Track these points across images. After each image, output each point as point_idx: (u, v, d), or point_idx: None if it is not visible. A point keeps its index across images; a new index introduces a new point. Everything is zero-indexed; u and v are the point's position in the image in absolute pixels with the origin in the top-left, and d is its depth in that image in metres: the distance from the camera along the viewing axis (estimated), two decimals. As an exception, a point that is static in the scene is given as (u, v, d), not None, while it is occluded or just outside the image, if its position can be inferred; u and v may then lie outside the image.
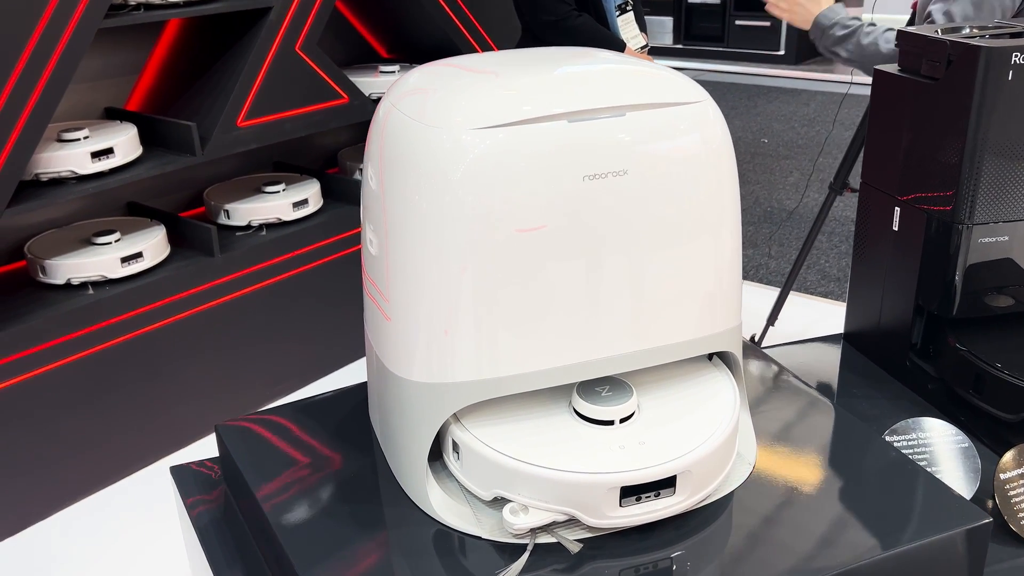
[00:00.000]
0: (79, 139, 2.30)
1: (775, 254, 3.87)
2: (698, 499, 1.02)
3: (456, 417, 1.05)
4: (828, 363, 1.52)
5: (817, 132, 5.53)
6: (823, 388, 1.50)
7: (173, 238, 2.55)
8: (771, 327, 2.72)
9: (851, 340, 1.62)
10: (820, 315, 3.19)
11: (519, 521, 0.98)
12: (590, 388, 1.07)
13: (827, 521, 1.03)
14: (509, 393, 1.00)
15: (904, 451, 1.22)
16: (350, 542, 1.02)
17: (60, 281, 2.33)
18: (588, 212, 0.97)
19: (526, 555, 0.98)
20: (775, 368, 1.35)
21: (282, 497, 1.09)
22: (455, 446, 1.04)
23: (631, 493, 0.98)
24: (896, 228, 1.47)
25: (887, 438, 1.26)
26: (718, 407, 1.07)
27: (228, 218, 2.69)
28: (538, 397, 1.10)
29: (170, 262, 2.49)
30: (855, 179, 1.94)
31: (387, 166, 1.01)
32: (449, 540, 1.02)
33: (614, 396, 1.06)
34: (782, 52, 7.34)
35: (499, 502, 1.01)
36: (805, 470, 1.12)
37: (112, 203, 2.67)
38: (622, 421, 1.05)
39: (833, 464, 1.13)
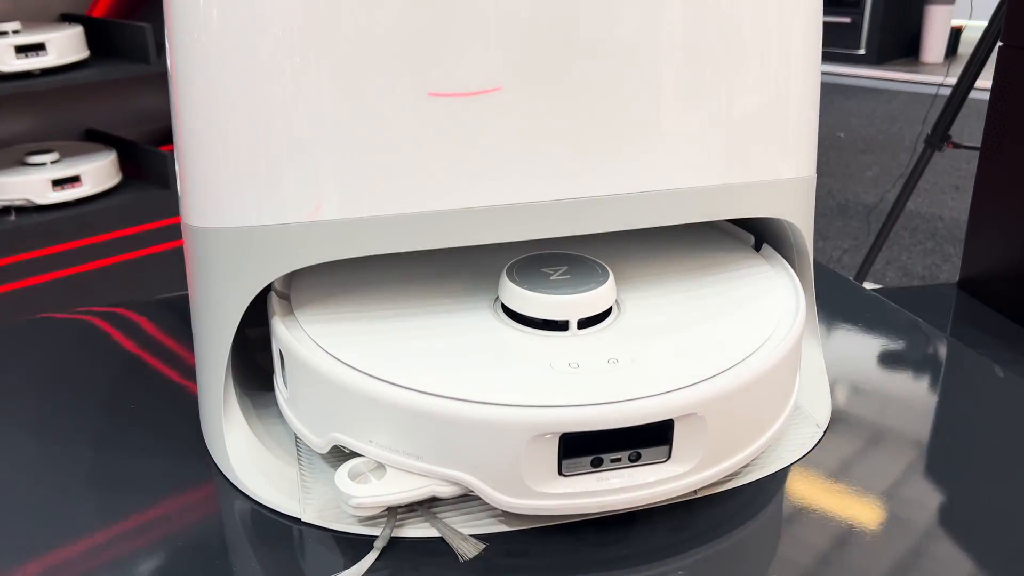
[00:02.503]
0: (7, 32, 1.91)
1: (849, 248, 3.34)
2: (715, 474, 0.54)
3: (291, 309, 0.59)
4: (938, 311, 1.02)
5: (899, 129, 4.97)
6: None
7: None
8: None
9: (968, 287, 1.12)
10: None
11: (364, 492, 0.51)
12: (531, 266, 0.60)
13: (964, 544, 0.54)
14: (374, 251, 0.53)
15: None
16: (78, 524, 0.56)
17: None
18: None
19: (369, 560, 0.51)
20: (862, 293, 0.86)
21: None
22: (282, 358, 0.57)
23: (583, 449, 0.50)
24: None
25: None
26: (763, 316, 0.59)
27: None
28: (447, 284, 0.63)
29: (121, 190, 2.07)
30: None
31: None
32: (250, 525, 0.55)
33: (573, 281, 0.58)
34: (863, 51, 6.77)
35: (343, 459, 0.54)
36: (914, 447, 0.62)
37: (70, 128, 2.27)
38: (584, 325, 0.57)
39: (964, 440, 0.63)
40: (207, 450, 0.60)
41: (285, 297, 0.60)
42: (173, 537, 0.53)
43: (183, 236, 0.59)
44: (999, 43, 1.06)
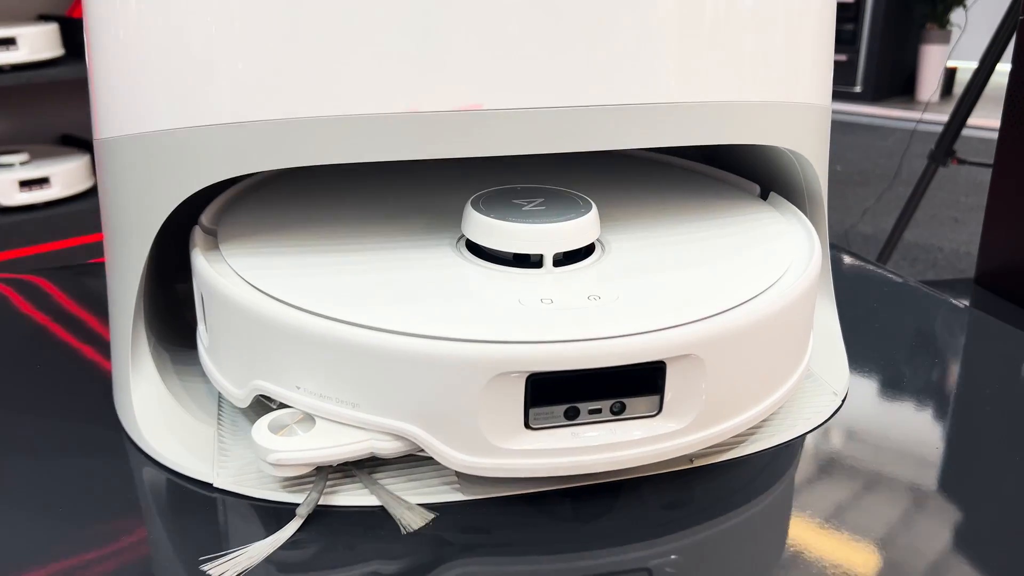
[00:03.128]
0: (-24, 27, 1.83)
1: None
2: (715, 435, 0.44)
3: (216, 244, 0.50)
4: (938, 321, 0.93)
5: (897, 164, 4.92)
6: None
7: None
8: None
9: (985, 283, 1.04)
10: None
11: (286, 446, 0.41)
12: (502, 197, 0.51)
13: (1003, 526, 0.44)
14: (305, 160, 0.44)
15: None
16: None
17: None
18: None
19: (288, 530, 0.41)
20: (877, 269, 0.77)
21: None
22: (203, 300, 0.48)
23: (555, 397, 0.41)
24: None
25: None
26: (772, 258, 0.50)
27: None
28: (403, 222, 0.54)
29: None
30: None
31: None
32: (155, 492, 0.45)
33: (550, 213, 0.49)
34: (859, 89, 6.77)
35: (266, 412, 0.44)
36: (938, 419, 0.53)
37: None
38: (561, 262, 0.48)
39: (994, 412, 0.54)
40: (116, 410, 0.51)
41: (211, 233, 0.51)
42: (70, 504, 0.43)
43: (96, 161, 0.50)
44: (1021, 17, 0.98)
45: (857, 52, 6.30)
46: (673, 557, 0.41)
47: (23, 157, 1.89)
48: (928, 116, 5.30)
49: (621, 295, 0.44)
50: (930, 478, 0.47)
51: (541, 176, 0.60)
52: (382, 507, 0.43)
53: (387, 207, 0.56)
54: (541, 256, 0.47)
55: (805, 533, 0.43)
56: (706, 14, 0.46)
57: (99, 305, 0.68)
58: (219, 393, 0.51)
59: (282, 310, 0.42)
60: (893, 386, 0.56)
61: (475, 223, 0.48)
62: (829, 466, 0.48)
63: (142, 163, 0.45)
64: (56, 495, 0.44)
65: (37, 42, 1.86)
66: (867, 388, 0.55)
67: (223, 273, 0.46)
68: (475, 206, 0.49)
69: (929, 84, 6.14)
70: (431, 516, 0.42)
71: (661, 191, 0.60)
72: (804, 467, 0.48)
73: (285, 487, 0.44)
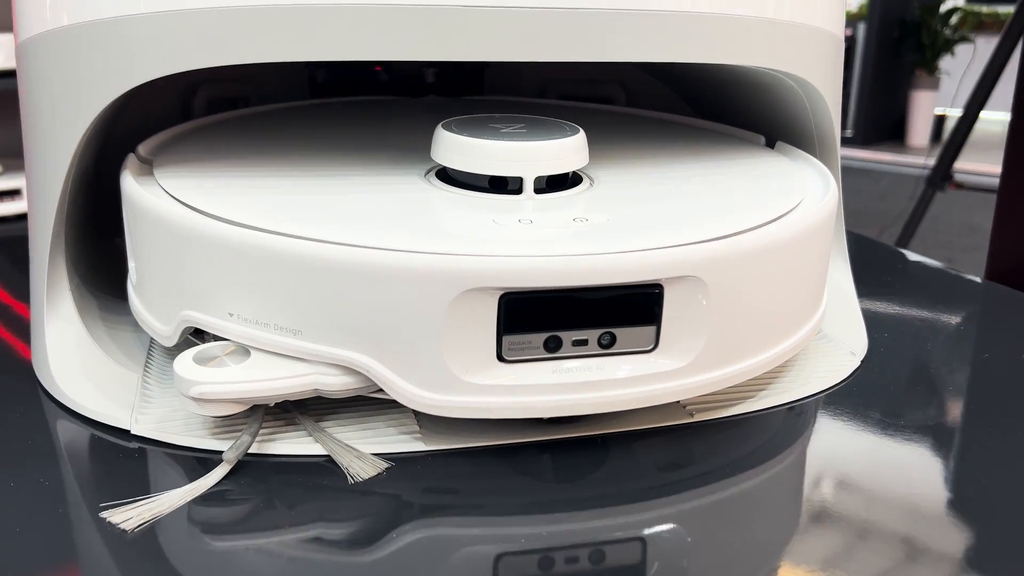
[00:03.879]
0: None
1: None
2: (719, 379, 0.38)
3: (150, 170, 0.44)
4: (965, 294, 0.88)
5: (889, 206, 4.91)
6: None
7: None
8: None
9: (996, 278, 0.98)
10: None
11: (212, 377, 0.35)
12: (478, 122, 0.45)
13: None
14: (245, 56, 0.38)
15: None
16: None
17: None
18: None
19: (212, 477, 0.34)
20: (885, 247, 0.71)
21: None
22: (132, 232, 0.41)
23: (534, 323, 0.35)
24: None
25: None
26: (783, 190, 0.44)
27: None
28: (365, 153, 0.48)
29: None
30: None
31: None
32: (66, 440, 0.38)
33: (531, 135, 0.43)
34: (850, 133, 6.80)
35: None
36: (961, 384, 0.47)
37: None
38: (543, 189, 0.42)
39: (1013, 377, 0.48)
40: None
41: (147, 163, 0.45)
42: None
43: (16, 68, 0.44)
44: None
45: (848, 97, 6.34)
46: (649, 531, 0.34)
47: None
48: (918, 160, 5.32)
49: (613, 218, 0.38)
50: (956, 447, 0.41)
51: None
52: (327, 457, 0.36)
53: (349, 146, 0.50)
54: (520, 181, 0.41)
55: (819, 505, 0.37)
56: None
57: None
58: (149, 344, 0.45)
59: (213, 224, 0.36)
60: (913, 350, 0.50)
61: (445, 144, 0.42)
62: (846, 431, 0.41)
63: (68, 59, 0.39)
64: (-56, 443, 0.38)
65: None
66: (886, 350, 0.49)
67: (152, 192, 0.40)
68: (446, 127, 0.43)
69: (918, 129, 6.18)
70: (385, 466, 0.35)
71: (657, 138, 0.54)
72: (820, 430, 0.41)
73: (215, 434, 0.37)
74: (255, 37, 0.37)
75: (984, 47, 5.26)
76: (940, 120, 5.95)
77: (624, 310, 0.35)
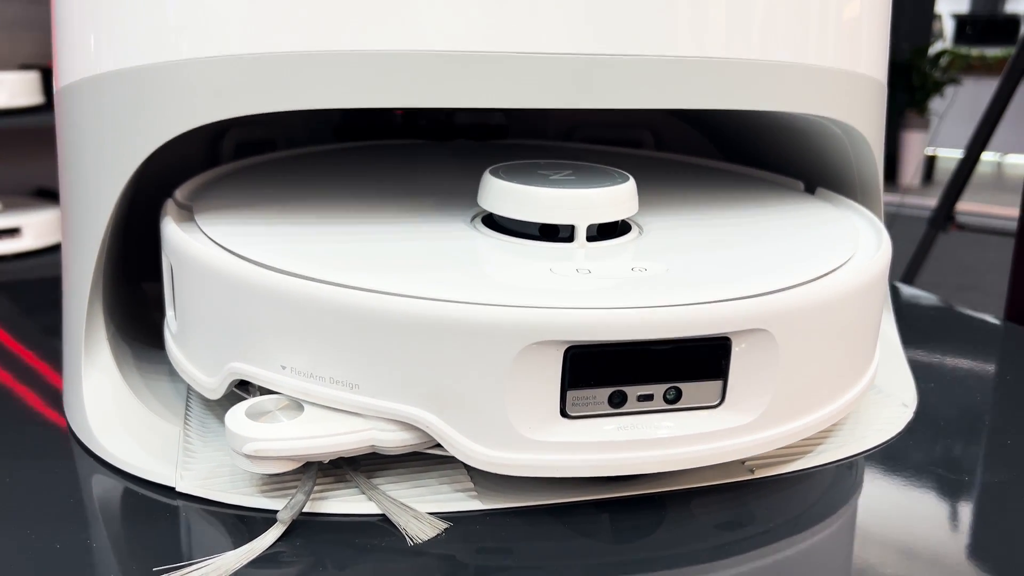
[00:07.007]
0: (-45, 72, 1.78)
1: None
2: (787, 433, 0.37)
3: (191, 216, 0.43)
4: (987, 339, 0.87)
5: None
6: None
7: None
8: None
9: (1018, 320, 0.97)
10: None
11: (266, 434, 0.34)
12: (525, 168, 0.44)
13: None
14: (289, 104, 0.37)
15: None
16: None
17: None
18: None
19: (267, 539, 0.33)
20: (929, 297, 0.71)
21: None
22: (172, 277, 0.40)
23: (598, 377, 0.34)
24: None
25: None
26: (838, 239, 0.43)
27: None
28: (410, 199, 0.47)
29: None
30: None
31: None
32: (109, 499, 0.37)
33: (581, 182, 0.42)
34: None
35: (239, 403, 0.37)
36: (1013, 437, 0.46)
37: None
38: (594, 237, 0.41)
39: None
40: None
41: (186, 208, 0.44)
42: (5, 516, 0.35)
43: (56, 113, 0.43)
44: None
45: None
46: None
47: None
48: (909, 200, 5.35)
49: (672, 267, 0.37)
50: (1015, 497, 0.40)
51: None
52: (382, 516, 0.35)
53: (390, 191, 0.49)
54: (572, 228, 0.40)
55: (879, 568, 0.35)
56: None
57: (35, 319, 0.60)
58: (187, 394, 0.44)
59: (266, 274, 0.35)
60: (964, 399, 0.49)
61: (495, 191, 0.41)
62: (906, 486, 0.40)
63: (110, 105, 0.38)
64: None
65: (16, 88, 1.81)
66: (936, 401, 0.48)
67: (197, 239, 0.39)
68: (494, 174, 0.42)
69: (909, 170, 6.23)
70: (444, 526, 0.34)
71: (697, 184, 0.54)
72: (877, 485, 0.40)
73: (264, 492, 0.36)
74: (306, 83, 0.36)
75: (972, 88, 5.32)
76: (931, 160, 6.00)
77: (691, 364, 0.34)
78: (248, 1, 0.36)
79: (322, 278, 0.34)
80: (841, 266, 0.38)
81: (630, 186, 0.42)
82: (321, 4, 0.36)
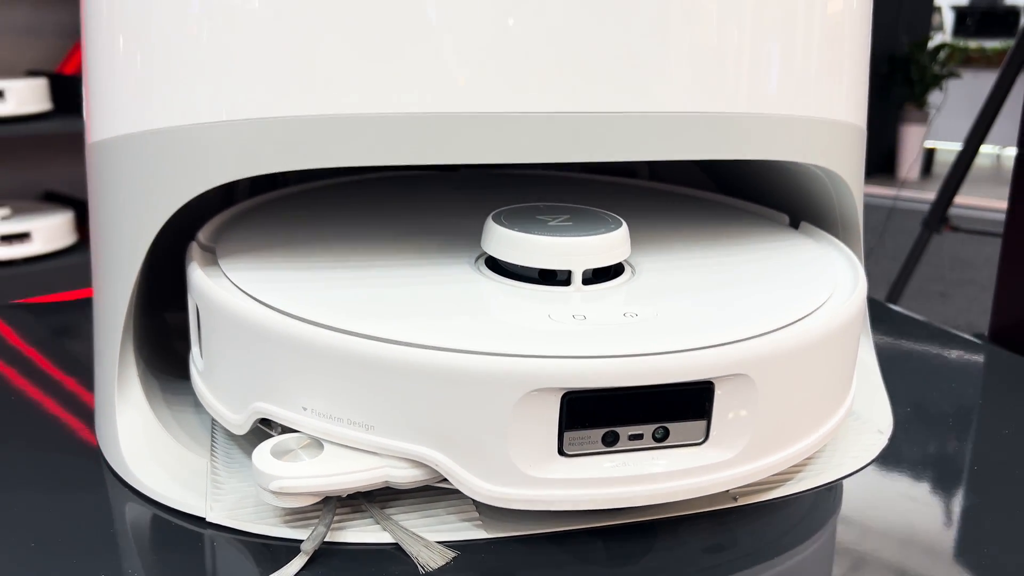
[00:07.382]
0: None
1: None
2: (766, 467, 0.40)
3: (215, 259, 0.46)
4: (967, 362, 0.90)
5: (880, 239, 4.96)
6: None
7: (76, 225, 2.01)
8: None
9: (1000, 339, 1.00)
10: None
11: (290, 472, 0.37)
12: (525, 213, 0.47)
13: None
14: (307, 162, 0.40)
15: None
16: None
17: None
18: None
19: (292, 568, 0.36)
20: (891, 311, 0.74)
21: None
22: (198, 317, 0.44)
23: (593, 419, 0.37)
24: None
25: None
26: (816, 281, 0.46)
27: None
28: (416, 241, 0.50)
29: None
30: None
31: None
32: (142, 527, 0.40)
33: (577, 228, 0.45)
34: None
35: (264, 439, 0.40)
36: (988, 458, 0.49)
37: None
38: (589, 281, 0.44)
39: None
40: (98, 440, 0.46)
41: (209, 250, 0.48)
42: (45, 545, 0.38)
43: (88, 170, 0.46)
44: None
45: (838, 131, 6.40)
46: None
47: (5, 212, 1.85)
48: (907, 193, 5.37)
49: (660, 312, 0.41)
50: (988, 519, 0.43)
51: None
52: (395, 545, 0.38)
53: (397, 230, 0.52)
54: (569, 273, 0.43)
55: (862, 580, 0.39)
56: (745, 24, 0.44)
57: (61, 343, 0.63)
58: (212, 425, 0.47)
59: (288, 322, 0.38)
60: (937, 425, 0.52)
61: (497, 237, 0.44)
62: (879, 507, 0.44)
63: (133, 163, 0.42)
64: (29, 534, 0.39)
65: (25, 95, 1.84)
66: (911, 427, 0.51)
67: (222, 285, 0.42)
68: (496, 220, 0.45)
69: (908, 163, 6.24)
70: (452, 555, 0.37)
71: (687, 219, 0.57)
72: (852, 508, 0.44)
73: (287, 522, 0.39)
74: (320, 144, 0.40)
75: (972, 81, 5.32)
76: (930, 153, 6.03)
77: (677, 406, 0.37)
78: (266, 69, 0.39)
79: (339, 327, 0.37)
80: (817, 309, 0.41)
81: (622, 232, 0.45)
82: (330, 71, 0.39)
